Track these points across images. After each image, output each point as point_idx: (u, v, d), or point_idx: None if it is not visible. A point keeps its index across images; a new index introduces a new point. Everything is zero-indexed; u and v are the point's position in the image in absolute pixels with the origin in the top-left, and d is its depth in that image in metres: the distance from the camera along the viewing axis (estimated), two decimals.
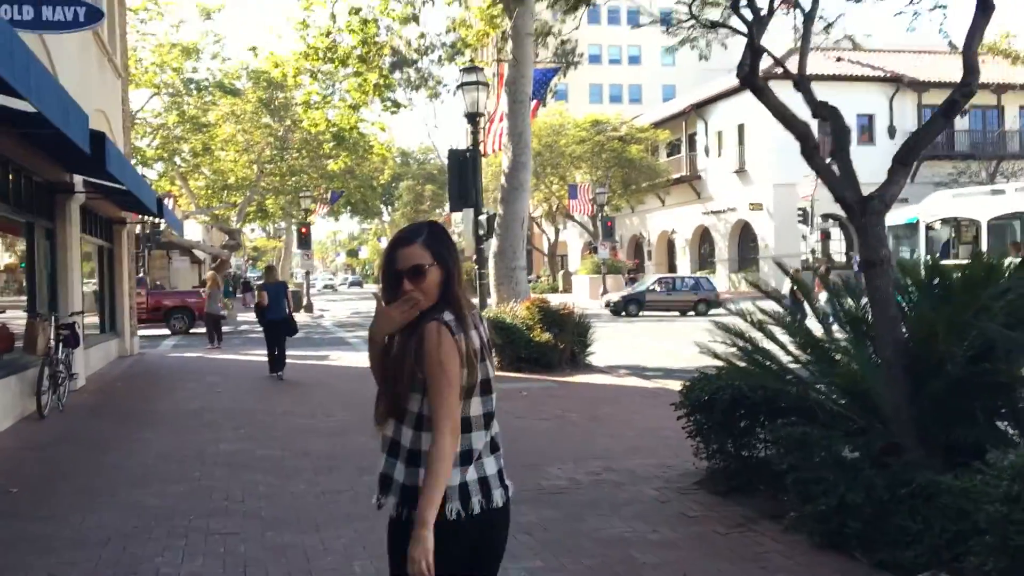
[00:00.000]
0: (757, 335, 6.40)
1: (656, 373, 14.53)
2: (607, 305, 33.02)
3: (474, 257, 18.43)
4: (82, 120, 6.85)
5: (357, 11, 18.25)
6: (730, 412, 6.38)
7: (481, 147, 17.56)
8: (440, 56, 51.81)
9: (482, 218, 16.87)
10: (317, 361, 17.47)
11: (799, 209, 39.72)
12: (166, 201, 41.24)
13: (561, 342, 14.35)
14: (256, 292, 15.54)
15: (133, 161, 35.11)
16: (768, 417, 6.40)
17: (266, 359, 14.46)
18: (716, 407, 6.40)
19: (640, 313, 32.05)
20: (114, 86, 17.58)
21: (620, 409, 10.50)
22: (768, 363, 6.17)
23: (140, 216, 23.02)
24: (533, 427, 9.37)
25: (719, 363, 6.52)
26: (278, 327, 14.22)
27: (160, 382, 14.19)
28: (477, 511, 2.49)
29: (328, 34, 18.52)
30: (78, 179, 13.03)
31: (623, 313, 31.83)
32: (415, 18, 17.74)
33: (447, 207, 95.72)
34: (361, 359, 18.03)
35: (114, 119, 16.92)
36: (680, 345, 18.87)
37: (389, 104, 18.68)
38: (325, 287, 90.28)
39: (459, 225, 66.35)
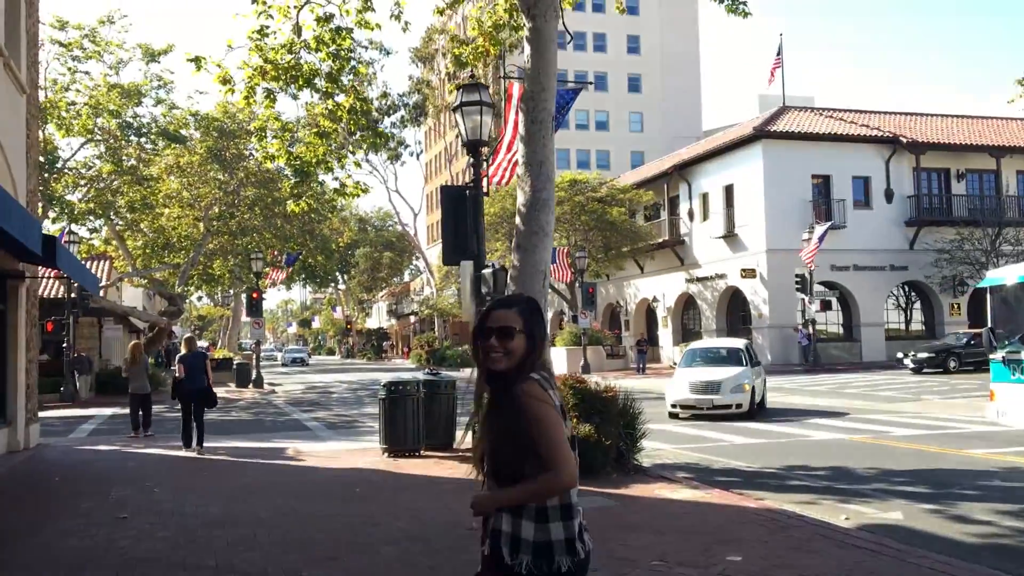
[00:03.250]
0: None
1: (733, 479, 10.79)
2: None
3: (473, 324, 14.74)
4: None
5: (328, 18, 14.70)
6: None
7: (484, 182, 14.01)
8: (403, 116, 47.67)
9: (487, 272, 13.25)
10: (271, 459, 13.37)
11: (796, 276, 36.74)
12: (93, 264, 36.94)
13: (605, 436, 10.57)
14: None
15: (55, 215, 30.93)
16: None
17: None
18: None
19: None
20: (14, 103, 13.73)
21: (752, 557, 6.71)
22: None
23: (59, 272, 18.90)
24: None
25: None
26: (194, 398, 13.84)
27: (43, 500, 10.01)
28: (582, 557, 2.81)
29: (291, 48, 14.91)
30: None
31: None
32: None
33: (406, 275, 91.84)
34: (328, 452, 14.03)
35: (9, 142, 13.02)
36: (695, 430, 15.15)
37: (368, 135, 15.03)
38: (294, 360, 71.90)
39: (419, 293, 61.96)
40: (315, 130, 15.20)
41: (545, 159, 12.53)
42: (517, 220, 12.73)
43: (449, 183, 72.10)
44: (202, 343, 63.40)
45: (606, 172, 65.28)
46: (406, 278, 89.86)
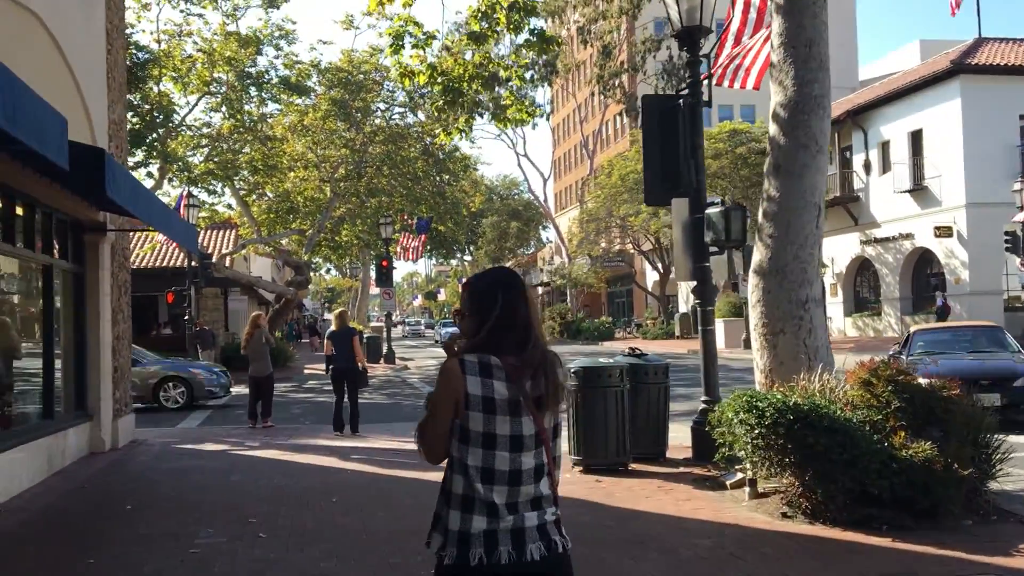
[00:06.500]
0: None
1: None
2: None
3: (691, 285, 10.86)
4: None
5: None
6: None
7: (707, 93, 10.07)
8: (533, 76, 42.58)
9: (713, 212, 9.36)
10: (423, 471, 9.86)
11: (1006, 234, 31.08)
12: (216, 234, 34.66)
13: (957, 461, 6.54)
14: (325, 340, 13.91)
15: (171, 176, 28.47)
16: None
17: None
18: None
19: None
20: (86, 4, 10.59)
21: None
22: None
23: (147, 228, 16.01)
24: None
25: None
26: (344, 376, 12.85)
27: (85, 551, 6.64)
28: (475, 563, 2.43)
29: None
30: None
31: None
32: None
33: (531, 245, 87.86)
34: None
35: (78, 58, 9.87)
36: None
37: (534, 41, 11.33)
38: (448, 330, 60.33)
39: (550, 263, 57.73)
40: (464, 34, 11.59)
41: (816, 37, 8.44)
42: (772, 130, 8.74)
43: (580, 145, 67.97)
44: (330, 316, 61.24)
45: (750, 126, 59.80)
46: (531, 249, 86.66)
